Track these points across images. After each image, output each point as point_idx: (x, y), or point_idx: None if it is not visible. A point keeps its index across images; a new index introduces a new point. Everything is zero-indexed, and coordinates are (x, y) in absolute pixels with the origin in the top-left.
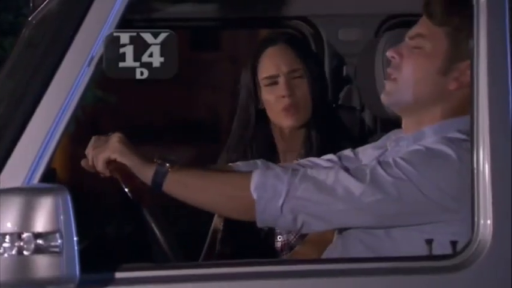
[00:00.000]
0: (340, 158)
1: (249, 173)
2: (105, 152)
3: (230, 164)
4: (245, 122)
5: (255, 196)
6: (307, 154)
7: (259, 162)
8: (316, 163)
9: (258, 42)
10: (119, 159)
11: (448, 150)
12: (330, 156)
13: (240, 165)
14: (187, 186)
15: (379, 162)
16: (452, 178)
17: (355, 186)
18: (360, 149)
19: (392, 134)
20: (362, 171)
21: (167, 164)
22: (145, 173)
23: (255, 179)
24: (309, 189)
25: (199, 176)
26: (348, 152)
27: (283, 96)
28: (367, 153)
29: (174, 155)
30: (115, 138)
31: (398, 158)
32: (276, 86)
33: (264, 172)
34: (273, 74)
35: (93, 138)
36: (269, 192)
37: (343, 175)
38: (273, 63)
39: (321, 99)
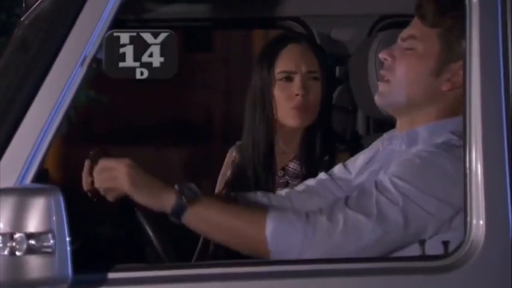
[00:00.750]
0: (332, 177)
1: (262, 216)
2: (117, 191)
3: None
4: (252, 119)
5: (270, 248)
6: (304, 157)
7: (259, 194)
8: (311, 188)
9: (277, 37)
10: (132, 195)
11: (444, 162)
12: (323, 176)
13: (259, 195)
14: (204, 222)
15: (378, 189)
16: (450, 189)
17: (365, 225)
18: (349, 161)
19: (385, 135)
20: (367, 205)
21: (185, 198)
22: (163, 204)
23: (270, 227)
24: (323, 237)
25: (217, 213)
26: (338, 170)
27: (297, 95)
28: (356, 165)
29: (193, 184)
30: (124, 170)
31: (394, 177)
32: (291, 82)
33: (279, 219)
34: (291, 70)
35: (99, 167)
36: (284, 245)
37: (352, 216)
38: (293, 59)
39: (328, 105)
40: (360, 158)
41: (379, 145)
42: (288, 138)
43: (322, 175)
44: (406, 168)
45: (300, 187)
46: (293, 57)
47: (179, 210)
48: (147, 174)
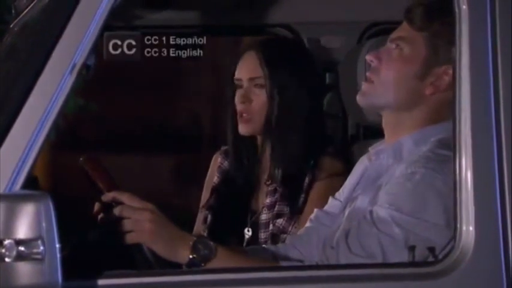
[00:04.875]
0: (327, 212)
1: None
2: (135, 234)
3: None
4: (232, 124)
5: None
6: (274, 164)
7: (268, 246)
8: (309, 229)
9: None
10: (148, 243)
11: (437, 182)
12: (318, 212)
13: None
14: None
15: (377, 226)
16: (448, 210)
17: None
18: (337, 194)
19: (371, 149)
20: (371, 247)
21: (198, 257)
22: (177, 258)
23: None
24: None
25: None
26: (330, 203)
27: (240, 102)
28: (345, 191)
29: (208, 240)
30: (147, 217)
31: (391, 208)
32: (240, 89)
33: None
34: (238, 78)
35: (126, 205)
36: None
37: (358, 261)
38: (240, 67)
39: (283, 110)
40: (348, 183)
41: (366, 161)
42: (268, 145)
43: (316, 212)
44: (401, 197)
45: (300, 231)
46: (242, 64)
47: (192, 266)
48: (167, 222)
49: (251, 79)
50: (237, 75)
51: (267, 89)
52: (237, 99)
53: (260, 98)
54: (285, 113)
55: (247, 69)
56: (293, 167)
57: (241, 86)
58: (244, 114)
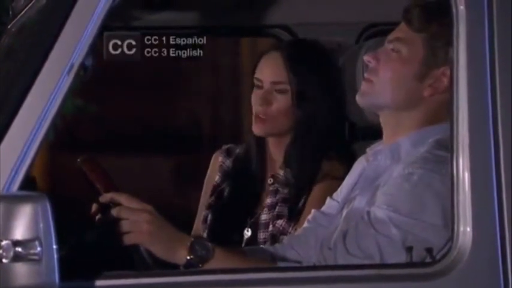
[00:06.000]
0: (324, 213)
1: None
2: (132, 235)
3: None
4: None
5: None
6: (284, 167)
7: (266, 246)
8: (307, 230)
9: (268, 43)
10: (146, 244)
11: (434, 182)
12: (315, 213)
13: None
14: None
15: (375, 227)
16: (446, 210)
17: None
18: (334, 195)
19: (369, 150)
20: (369, 248)
21: (196, 258)
22: (175, 259)
23: None
24: None
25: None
26: (328, 204)
27: (259, 104)
28: (343, 192)
29: (206, 241)
30: (145, 218)
31: (388, 209)
32: (260, 90)
33: None
34: (259, 78)
35: (124, 206)
36: None
37: (356, 262)
38: (263, 67)
39: (305, 116)
40: (346, 183)
41: (363, 162)
42: (277, 145)
43: (313, 212)
44: (398, 197)
45: (298, 231)
46: (265, 65)
47: (190, 267)
48: (165, 224)
49: (274, 83)
50: (257, 74)
51: (291, 96)
52: (254, 99)
53: (281, 103)
54: (308, 120)
55: (271, 72)
56: (303, 170)
57: (260, 87)
58: (260, 115)
